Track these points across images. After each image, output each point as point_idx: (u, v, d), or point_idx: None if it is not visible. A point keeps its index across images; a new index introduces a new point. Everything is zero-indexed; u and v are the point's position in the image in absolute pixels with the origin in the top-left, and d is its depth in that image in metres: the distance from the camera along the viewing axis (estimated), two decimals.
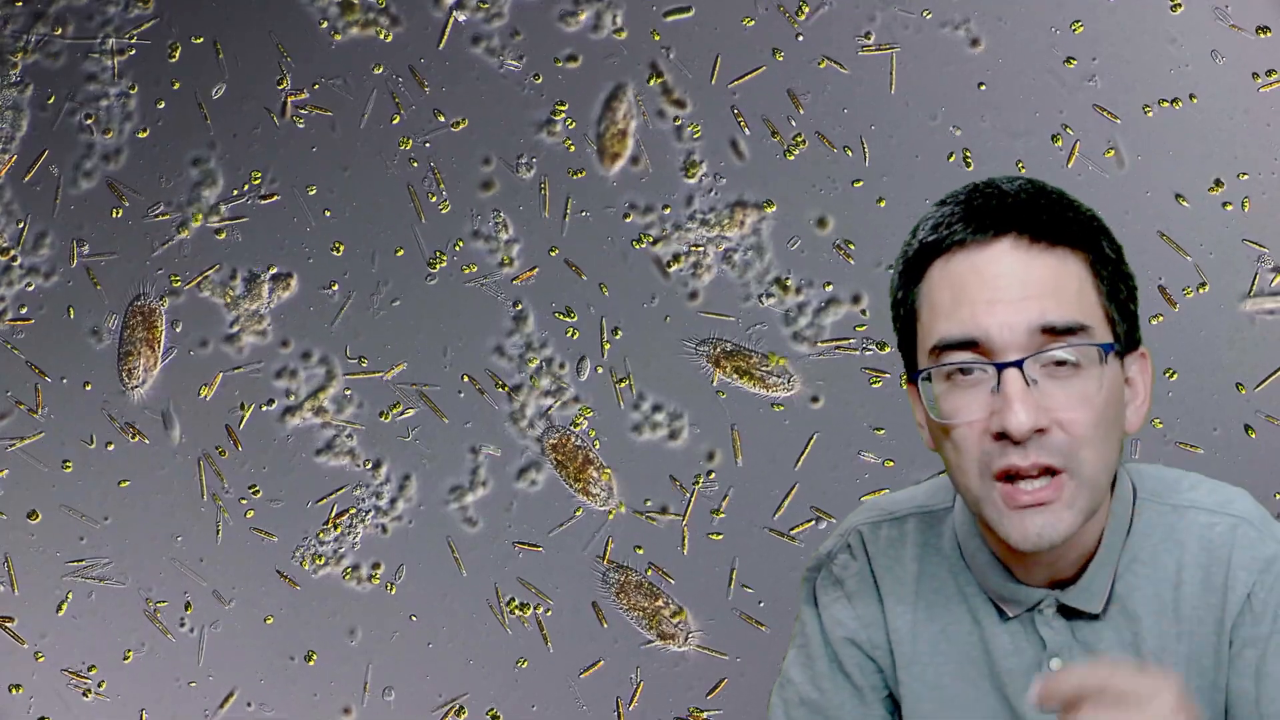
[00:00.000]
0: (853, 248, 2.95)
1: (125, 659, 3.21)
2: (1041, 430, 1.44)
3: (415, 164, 3.15)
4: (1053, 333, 1.45)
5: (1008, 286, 1.46)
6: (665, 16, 2.85)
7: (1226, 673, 1.53)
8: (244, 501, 3.21)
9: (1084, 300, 1.48)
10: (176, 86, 3.06)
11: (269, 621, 3.21)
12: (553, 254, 3.06)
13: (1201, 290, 2.88)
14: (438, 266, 3.14)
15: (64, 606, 3.25)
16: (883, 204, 3.02)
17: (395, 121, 3.15)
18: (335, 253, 3.17)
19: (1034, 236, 1.48)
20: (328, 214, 3.19)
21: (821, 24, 3.03)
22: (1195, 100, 2.91)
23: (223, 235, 3.09)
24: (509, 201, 3.15)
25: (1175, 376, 2.90)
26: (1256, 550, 1.53)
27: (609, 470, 3.07)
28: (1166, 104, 2.85)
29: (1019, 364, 1.44)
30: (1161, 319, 2.90)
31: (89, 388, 3.25)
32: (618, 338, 2.97)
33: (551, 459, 3.09)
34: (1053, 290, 1.46)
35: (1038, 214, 1.49)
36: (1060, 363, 1.46)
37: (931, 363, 1.49)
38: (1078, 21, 2.79)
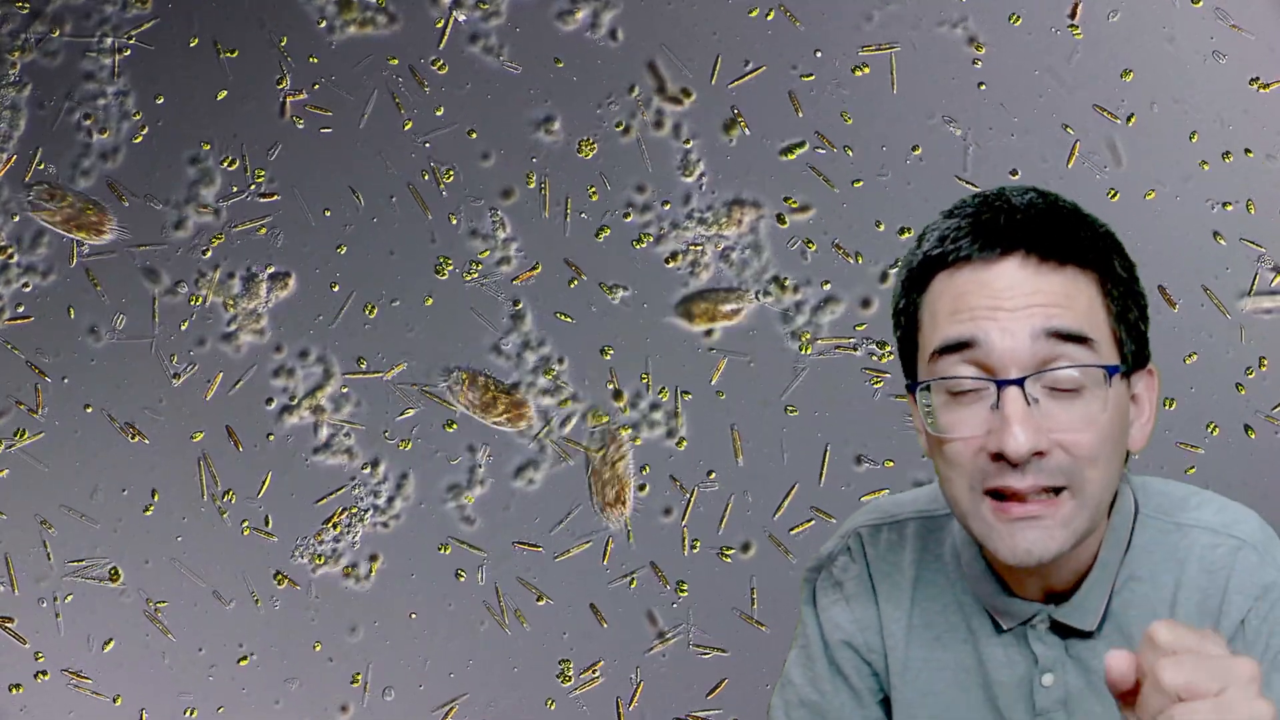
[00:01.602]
0: (861, 257, 2.95)
1: (187, 714, 3.21)
2: (1041, 453, 1.41)
3: (426, 176, 3.15)
4: (1059, 337, 1.41)
5: (1012, 297, 1.42)
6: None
7: None
8: (244, 521, 3.21)
9: (1093, 318, 1.43)
10: (227, 90, 3.05)
11: (316, 649, 3.20)
12: (573, 285, 3.07)
13: (1262, 367, 2.88)
14: (445, 272, 3.13)
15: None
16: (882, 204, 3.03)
17: (408, 128, 3.15)
18: (339, 250, 3.17)
19: (1042, 256, 1.43)
20: (327, 213, 3.19)
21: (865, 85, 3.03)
22: (1228, 148, 2.90)
23: (263, 231, 3.09)
24: (508, 202, 3.15)
25: (1173, 405, 2.90)
26: (1255, 576, 1.48)
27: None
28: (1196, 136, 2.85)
29: (1020, 382, 1.40)
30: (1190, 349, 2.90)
31: (89, 410, 3.24)
32: (688, 400, 2.97)
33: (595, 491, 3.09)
34: (1060, 300, 1.42)
35: (1047, 232, 1.44)
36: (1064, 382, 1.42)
37: (930, 369, 1.46)
38: (1128, 70, 2.78)
